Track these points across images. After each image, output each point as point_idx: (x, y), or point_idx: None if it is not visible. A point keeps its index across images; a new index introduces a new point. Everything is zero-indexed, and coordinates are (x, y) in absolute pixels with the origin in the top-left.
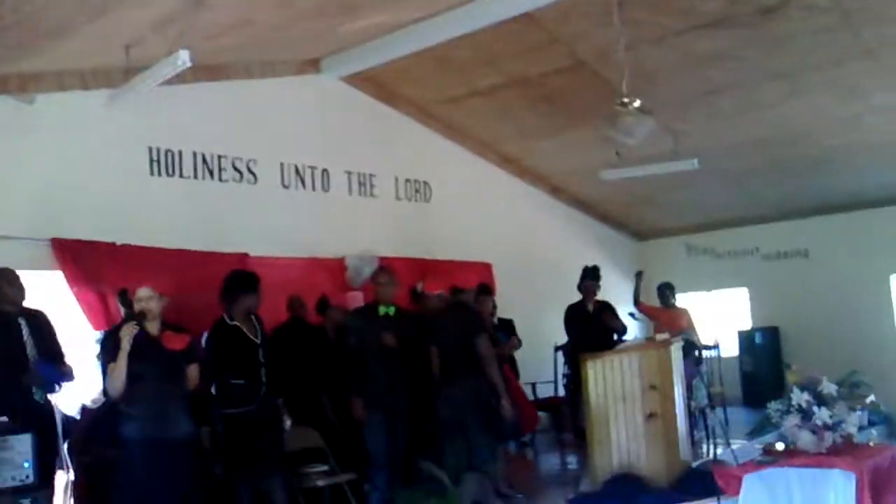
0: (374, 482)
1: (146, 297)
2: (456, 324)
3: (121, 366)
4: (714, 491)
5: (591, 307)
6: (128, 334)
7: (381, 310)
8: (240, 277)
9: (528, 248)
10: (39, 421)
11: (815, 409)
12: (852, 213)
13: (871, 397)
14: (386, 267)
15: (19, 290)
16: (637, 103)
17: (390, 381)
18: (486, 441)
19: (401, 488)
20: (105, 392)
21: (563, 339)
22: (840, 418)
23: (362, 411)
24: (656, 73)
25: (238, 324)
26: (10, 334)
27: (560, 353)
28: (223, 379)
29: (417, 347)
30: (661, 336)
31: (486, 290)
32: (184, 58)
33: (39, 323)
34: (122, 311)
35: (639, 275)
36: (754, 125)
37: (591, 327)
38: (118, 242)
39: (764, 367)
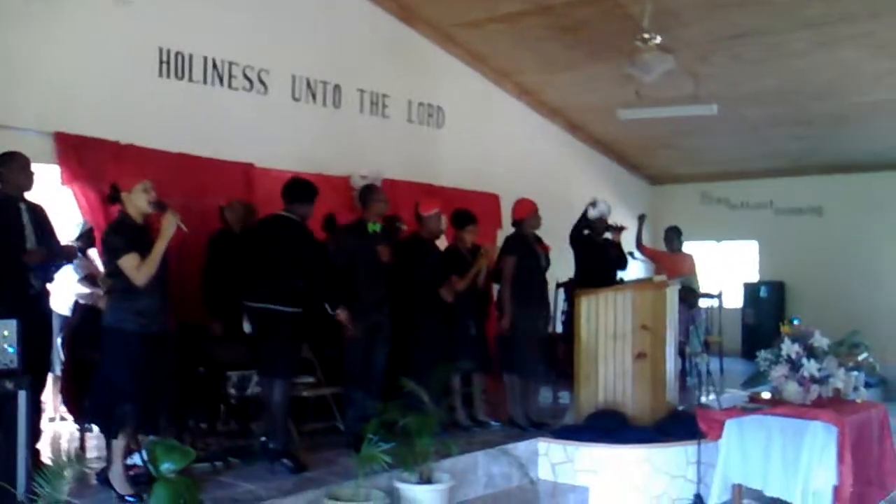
0: (351, 397)
1: (151, 187)
2: None
3: (158, 256)
4: (696, 434)
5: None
6: (172, 224)
7: (370, 227)
8: (306, 184)
9: (539, 184)
10: (34, 309)
11: (804, 360)
12: (870, 173)
13: (866, 356)
14: (374, 185)
15: (28, 178)
16: (657, 40)
17: (376, 299)
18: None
19: (379, 403)
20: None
21: (564, 277)
22: (828, 372)
23: (348, 320)
24: (681, 12)
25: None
26: (11, 219)
27: (561, 291)
28: (287, 277)
29: (401, 266)
30: (658, 278)
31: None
32: None
33: (40, 214)
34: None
35: (641, 218)
36: (779, 74)
37: (601, 259)
38: (122, 142)
39: (766, 321)
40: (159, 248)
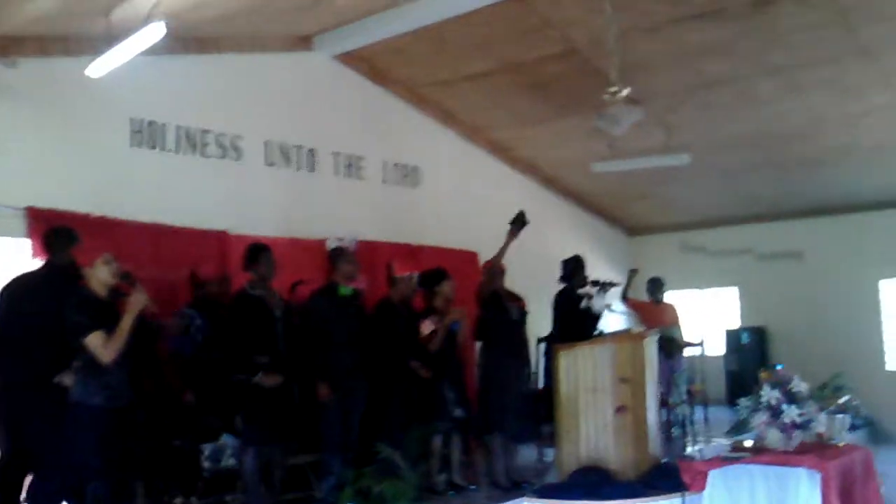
0: (328, 466)
1: (112, 259)
2: None
3: (125, 333)
4: (681, 487)
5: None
6: (140, 303)
7: (341, 290)
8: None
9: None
10: None
11: (784, 406)
12: (847, 215)
13: (847, 398)
14: (345, 249)
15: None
16: (625, 92)
17: (350, 365)
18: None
19: (354, 471)
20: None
21: (545, 331)
22: (810, 417)
23: (328, 394)
24: (649, 64)
25: (261, 294)
26: None
27: (543, 345)
28: (245, 349)
29: (376, 330)
30: (636, 329)
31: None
32: (159, 27)
33: None
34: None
35: (633, 272)
36: (749, 121)
37: (581, 317)
38: (93, 214)
39: (749, 367)
40: (126, 324)
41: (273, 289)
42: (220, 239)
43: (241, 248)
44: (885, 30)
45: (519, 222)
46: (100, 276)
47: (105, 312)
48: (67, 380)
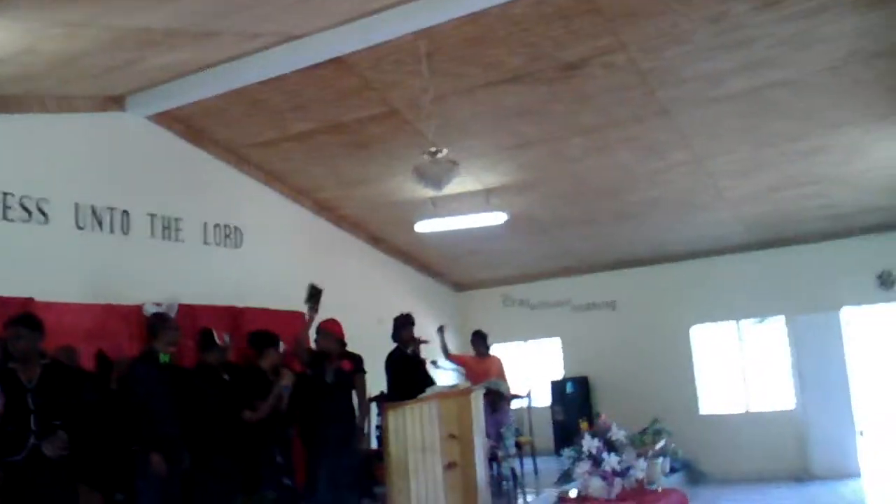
0: None
1: None
2: None
3: None
4: None
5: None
6: None
7: (161, 358)
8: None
9: (345, 298)
10: None
11: (604, 455)
12: (656, 266)
13: (664, 443)
14: (163, 314)
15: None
16: (444, 153)
17: (172, 433)
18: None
19: None
20: None
21: (377, 390)
22: (629, 464)
23: (162, 466)
24: (467, 125)
25: (13, 366)
26: None
27: (374, 405)
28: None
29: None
30: (462, 385)
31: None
32: None
33: None
34: None
35: (440, 329)
36: (562, 179)
37: (414, 374)
38: None
39: (575, 417)
40: None
41: (36, 360)
42: (25, 306)
43: (48, 316)
44: (680, 91)
45: (313, 298)
46: None
47: None
48: None
